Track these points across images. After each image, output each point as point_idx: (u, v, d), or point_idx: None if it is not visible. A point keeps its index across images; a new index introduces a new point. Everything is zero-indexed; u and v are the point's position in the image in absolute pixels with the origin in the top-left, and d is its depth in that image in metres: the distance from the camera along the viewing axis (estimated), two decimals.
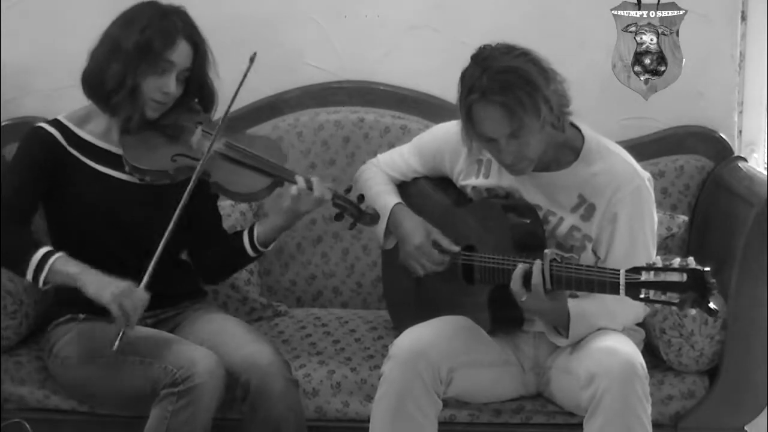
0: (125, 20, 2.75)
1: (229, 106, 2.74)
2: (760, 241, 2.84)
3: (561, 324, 2.64)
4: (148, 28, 2.71)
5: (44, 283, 2.65)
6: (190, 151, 2.74)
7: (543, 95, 2.54)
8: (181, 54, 2.73)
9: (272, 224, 2.80)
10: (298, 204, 2.72)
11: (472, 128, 2.61)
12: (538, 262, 2.52)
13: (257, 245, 2.81)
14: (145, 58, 2.69)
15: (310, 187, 2.70)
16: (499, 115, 2.55)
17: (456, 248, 2.78)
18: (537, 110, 2.53)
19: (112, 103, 2.73)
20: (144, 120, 2.76)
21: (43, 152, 2.76)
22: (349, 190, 2.78)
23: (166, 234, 2.62)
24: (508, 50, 2.58)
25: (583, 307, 2.63)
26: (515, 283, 2.55)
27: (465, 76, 2.59)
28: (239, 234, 2.84)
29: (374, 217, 2.77)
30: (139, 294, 2.59)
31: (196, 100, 2.84)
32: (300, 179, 2.71)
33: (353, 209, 2.75)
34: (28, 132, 2.81)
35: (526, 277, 2.53)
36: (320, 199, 2.71)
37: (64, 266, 2.64)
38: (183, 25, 2.74)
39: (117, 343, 2.56)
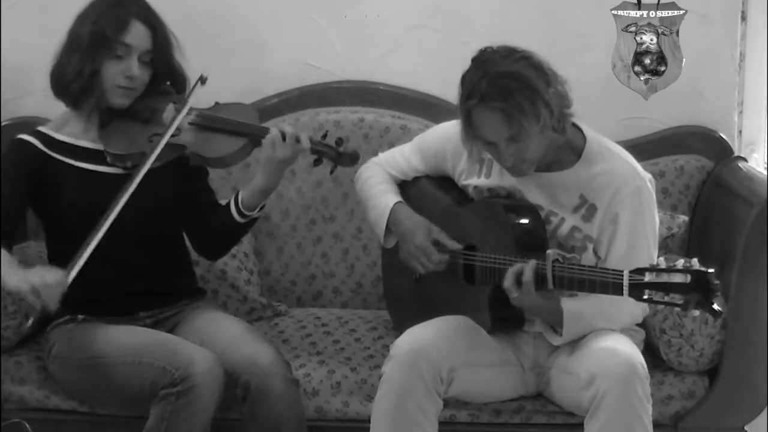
0: (81, 15, 2.79)
1: (192, 89, 2.78)
2: (760, 241, 2.84)
3: (557, 322, 2.65)
4: (101, 17, 2.74)
5: None
6: (165, 129, 2.75)
7: (543, 99, 2.54)
8: (136, 36, 2.74)
9: (254, 185, 2.76)
10: (274, 152, 2.69)
11: (471, 132, 2.62)
12: (532, 261, 2.53)
13: (242, 209, 2.78)
14: (101, 44, 2.72)
15: (284, 137, 2.69)
16: (498, 120, 2.55)
17: (458, 246, 2.78)
18: (537, 114, 2.53)
19: (72, 93, 2.76)
20: (114, 109, 2.78)
21: (23, 160, 2.77)
22: (325, 135, 2.76)
23: (117, 207, 2.62)
24: (509, 53, 2.57)
25: (578, 306, 2.63)
26: (507, 281, 2.56)
27: (465, 80, 2.59)
28: (227, 204, 2.83)
29: (354, 157, 2.75)
30: (52, 273, 2.54)
31: (168, 83, 2.85)
32: (274, 129, 2.71)
33: (331, 152, 2.73)
34: (8, 145, 2.83)
35: (520, 275, 2.54)
36: (294, 141, 2.67)
37: None
38: (137, 9, 2.76)
39: (29, 322, 2.56)
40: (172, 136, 2.73)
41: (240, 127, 2.76)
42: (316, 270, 3.37)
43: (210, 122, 2.78)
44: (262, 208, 2.80)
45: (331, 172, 2.78)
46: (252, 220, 2.81)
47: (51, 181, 2.77)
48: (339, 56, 3.44)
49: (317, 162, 2.75)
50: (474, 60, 2.60)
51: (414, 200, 2.92)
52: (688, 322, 2.84)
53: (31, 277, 2.54)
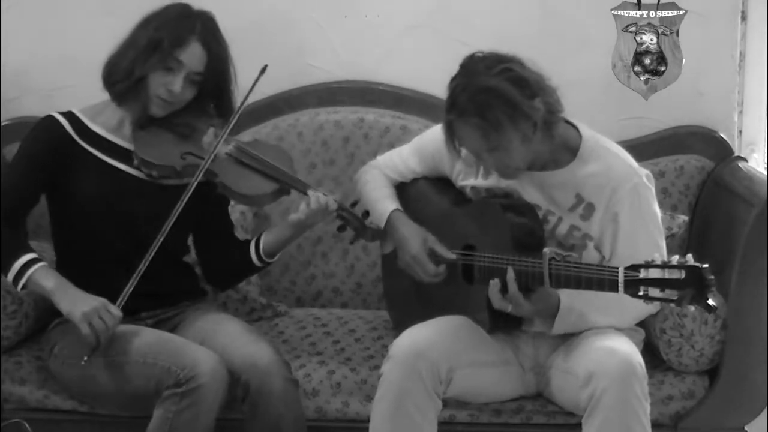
0: (148, 18, 2.79)
1: (239, 109, 2.77)
2: (760, 241, 2.84)
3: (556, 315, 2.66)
4: (163, 27, 2.74)
5: (23, 288, 2.68)
6: (200, 151, 2.76)
7: (523, 113, 2.55)
8: (191, 55, 2.73)
9: (279, 236, 2.82)
10: (307, 219, 2.74)
11: (453, 141, 2.64)
12: (510, 272, 2.55)
13: (262, 256, 2.82)
14: (155, 52, 2.72)
15: (320, 202, 2.73)
16: (476, 134, 2.58)
17: (452, 255, 2.78)
18: (516, 128, 2.55)
19: (117, 91, 2.76)
20: (150, 117, 2.78)
21: (48, 141, 2.78)
22: (354, 204, 2.79)
23: (160, 235, 2.64)
24: (493, 64, 2.57)
25: (573, 299, 2.62)
26: (496, 302, 2.59)
27: (449, 88, 2.61)
28: (246, 243, 2.86)
29: (376, 234, 2.80)
30: (111, 312, 2.61)
31: (213, 105, 2.85)
32: (312, 194, 2.73)
33: (357, 223, 2.77)
34: (39, 120, 2.83)
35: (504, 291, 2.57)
36: (326, 208, 2.72)
37: (41, 278, 2.67)
38: (201, 29, 2.75)
39: (86, 358, 2.61)
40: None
41: (275, 171, 2.77)
42: (316, 270, 3.37)
43: (246, 158, 2.78)
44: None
45: (352, 242, 2.83)
46: (267, 264, 2.86)
47: (72, 168, 2.77)
48: (339, 56, 3.44)
49: (341, 228, 2.80)
50: (461, 66, 2.62)
51: (412, 201, 2.92)
52: (688, 322, 2.84)
53: (93, 318, 2.60)
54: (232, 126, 2.77)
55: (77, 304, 2.62)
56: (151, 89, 2.74)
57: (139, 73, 2.72)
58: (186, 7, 2.79)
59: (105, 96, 2.81)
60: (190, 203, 2.71)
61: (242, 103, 2.78)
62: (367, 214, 2.80)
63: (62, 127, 2.78)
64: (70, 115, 2.81)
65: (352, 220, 2.77)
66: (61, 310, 2.66)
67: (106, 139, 2.81)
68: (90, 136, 2.80)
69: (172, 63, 2.72)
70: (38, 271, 2.67)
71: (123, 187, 2.79)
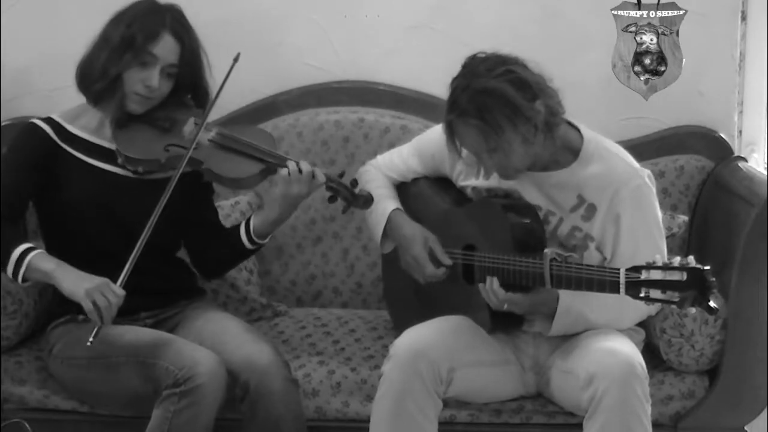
0: (117, 16, 2.79)
1: (217, 94, 2.78)
2: (760, 241, 2.84)
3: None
4: (134, 23, 2.75)
5: (23, 279, 2.67)
6: (182, 141, 2.76)
7: (524, 116, 2.54)
8: (164, 48, 2.74)
9: (267, 215, 2.79)
10: (289, 187, 2.71)
11: (454, 142, 2.64)
12: (492, 281, 2.57)
13: (254, 237, 2.81)
14: (129, 49, 2.73)
15: (300, 170, 2.71)
16: (476, 135, 2.58)
17: (448, 261, 2.78)
18: (515, 130, 2.55)
19: (94, 91, 2.77)
20: (129, 114, 2.78)
21: (35, 147, 2.78)
22: (342, 174, 2.78)
23: (149, 225, 2.62)
24: (494, 66, 2.57)
25: (572, 299, 2.63)
26: (492, 302, 2.59)
27: (450, 87, 2.61)
28: (236, 227, 2.85)
29: (368, 200, 2.77)
30: (113, 290, 2.58)
31: (190, 96, 2.85)
32: (290, 162, 2.71)
33: (347, 192, 2.75)
34: (20, 128, 2.84)
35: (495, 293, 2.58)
36: (310, 177, 2.70)
37: (40, 262, 2.65)
38: (171, 22, 2.76)
39: (91, 338, 2.56)
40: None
41: (258, 152, 2.76)
42: (316, 270, 3.37)
43: (229, 143, 2.78)
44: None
45: (344, 212, 2.80)
46: (259, 246, 2.84)
47: (58, 173, 2.78)
48: (339, 56, 3.44)
49: (332, 199, 2.78)
50: (463, 66, 2.62)
51: (413, 201, 2.92)
52: (689, 322, 2.84)
53: (96, 296, 2.57)
54: (210, 112, 2.77)
55: (79, 282, 2.61)
56: (128, 86, 2.75)
57: (114, 72, 2.73)
58: (152, 2, 2.80)
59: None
60: (178, 196, 2.71)
61: (219, 90, 2.78)
62: (355, 182, 2.77)
63: (45, 132, 2.79)
64: (50, 121, 2.82)
65: (342, 189, 2.75)
66: (63, 291, 2.63)
67: (88, 141, 2.82)
68: (72, 139, 2.81)
69: (147, 58, 2.74)
70: (37, 257, 2.66)
71: (110, 187, 2.79)
